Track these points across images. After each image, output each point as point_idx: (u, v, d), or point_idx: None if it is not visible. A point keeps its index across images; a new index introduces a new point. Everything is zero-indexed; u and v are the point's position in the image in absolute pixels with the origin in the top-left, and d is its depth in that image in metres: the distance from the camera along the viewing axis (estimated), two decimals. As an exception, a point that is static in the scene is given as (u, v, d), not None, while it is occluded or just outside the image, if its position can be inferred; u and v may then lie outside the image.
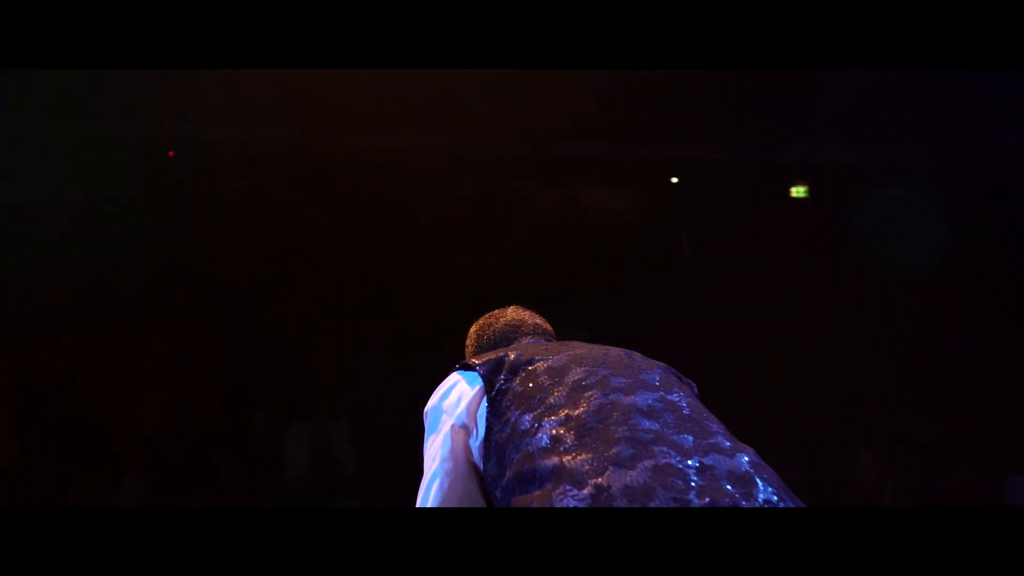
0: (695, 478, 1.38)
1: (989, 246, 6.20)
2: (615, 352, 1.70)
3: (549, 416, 1.54)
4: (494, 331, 1.98)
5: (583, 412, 1.53)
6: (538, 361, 1.68)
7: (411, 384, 5.90)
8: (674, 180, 8.05)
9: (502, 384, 1.66)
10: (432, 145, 6.91)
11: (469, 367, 1.75)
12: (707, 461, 1.42)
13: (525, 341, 1.93)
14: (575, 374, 1.62)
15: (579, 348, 1.73)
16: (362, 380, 5.77)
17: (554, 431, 1.51)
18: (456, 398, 1.71)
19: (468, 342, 2.02)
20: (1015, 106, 5.41)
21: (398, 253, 6.85)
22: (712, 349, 7.88)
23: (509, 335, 1.96)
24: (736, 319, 7.68)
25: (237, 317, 5.95)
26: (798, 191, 8.02)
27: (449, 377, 1.80)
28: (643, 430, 1.48)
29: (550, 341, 1.94)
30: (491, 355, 1.75)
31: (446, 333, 6.96)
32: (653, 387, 1.60)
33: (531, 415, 1.56)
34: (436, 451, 1.68)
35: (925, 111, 6.09)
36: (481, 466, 1.63)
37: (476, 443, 1.65)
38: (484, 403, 1.66)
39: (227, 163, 6.06)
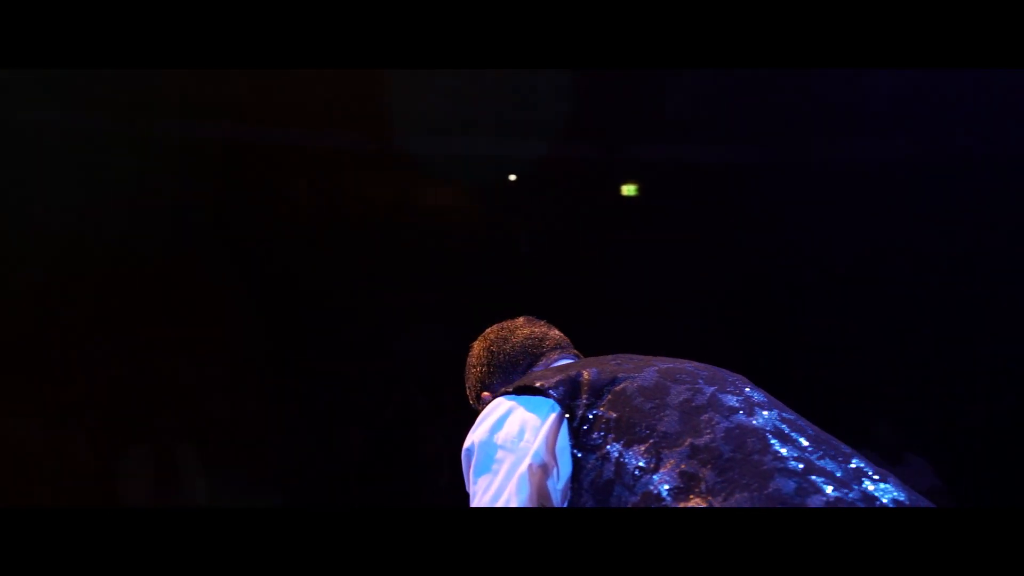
0: None
1: (820, 246, 6.54)
2: (700, 365, 1.48)
3: (669, 448, 1.29)
4: (513, 347, 1.69)
5: (711, 440, 1.30)
6: (623, 380, 1.41)
7: (256, 397, 5.49)
8: (512, 177, 7.98)
9: (585, 410, 1.38)
10: (266, 137, 6.46)
11: (532, 390, 1.45)
12: (867, 490, 1.25)
13: (555, 358, 1.66)
14: (677, 393, 1.38)
15: (660, 361, 1.48)
16: (205, 394, 5.27)
17: (683, 467, 1.27)
18: (516, 430, 1.42)
19: (474, 362, 1.73)
20: (851, 108, 5.73)
21: (229, 252, 6.35)
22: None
23: (531, 351, 1.68)
24: (573, 317, 7.73)
25: (53, 325, 5.28)
26: (629, 189, 8.17)
27: (494, 405, 1.50)
28: (791, 458, 1.28)
29: (580, 356, 1.71)
30: (555, 375, 1.46)
31: (286, 339, 6.59)
32: (765, 404, 1.40)
33: (641, 447, 1.31)
34: (506, 497, 1.37)
35: (760, 113, 6.34)
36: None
37: (558, 485, 1.35)
38: (565, 435, 1.38)
39: (32, 153, 5.36)
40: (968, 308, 6.18)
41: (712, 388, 1.40)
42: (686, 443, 1.29)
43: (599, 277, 7.76)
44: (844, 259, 6.42)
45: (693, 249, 7.51)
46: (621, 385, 1.40)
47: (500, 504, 1.38)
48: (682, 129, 7.03)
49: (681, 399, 1.36)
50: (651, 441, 1.31)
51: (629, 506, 1.27)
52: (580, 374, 1.44)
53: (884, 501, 1.23)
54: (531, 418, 1.42)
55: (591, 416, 1.37)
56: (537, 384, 1.45)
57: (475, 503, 1.44)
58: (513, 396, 1.48)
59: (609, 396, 1.39)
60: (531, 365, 1.66)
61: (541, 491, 1.36)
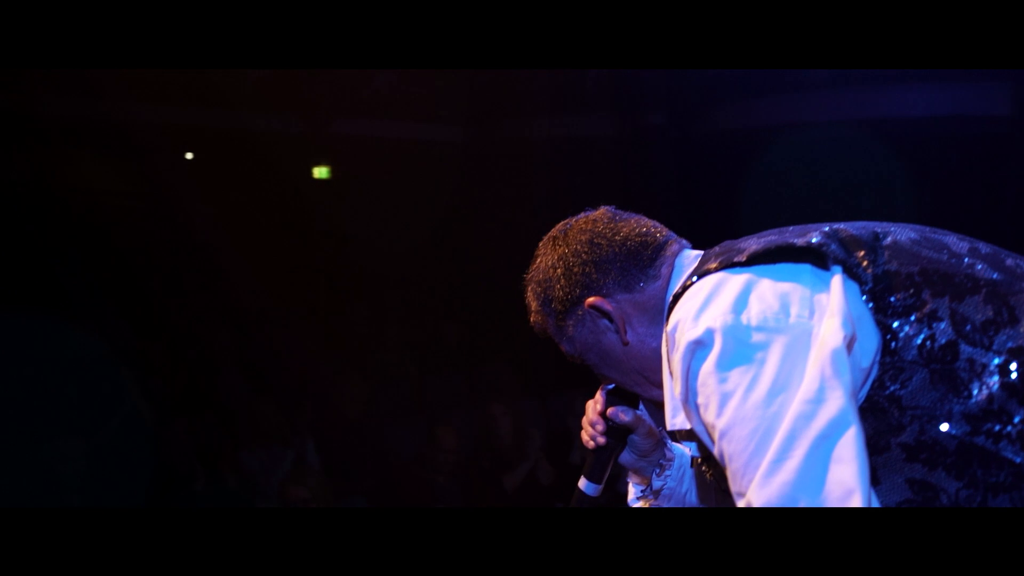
0: None
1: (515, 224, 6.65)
2: None
3: (1012, 295, 1.11)
4: (626, 238, 1.34)
5: None
6: (885, 235, 1.18)
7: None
8: (189, 156, 7.09)
9: (872, 268, 1.13)
10: None
11: (788, 253, 1.15)
12: None
13: (676, 248, 1.36)
14: (954, 241, 1.20)
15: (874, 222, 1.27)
16: None
17: None
18: (777, 304, 1.10)
19: (570, 263, 1.35)
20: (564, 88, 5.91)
21: None
22: (248, 343, 7.18)
23: (650, 240, 1.35)
24: (256, 303, 7.12)
25: None
26: (320, 172, 7.70)
27: (718, 282, 1.16)
28: None
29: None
30: (811, 234, 1.16)
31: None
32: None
33: (976, 297, 1.11)
34: (814, 384, 1.05)
35: (469, 91, 6.31)
36: (864, 397, 1.10)
37: (862, 363, 1.10)
38: (858, 300, 1.11)
39: None
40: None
41: (965, 237, 1.24)
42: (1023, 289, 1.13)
43: (291, 265, 7.20)
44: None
45: (391, 230, 7.26)
46: (890, 239, 1.17)
47: (800, 394, 1.05)
48: (382, 107, 6.77)
49: (965, 246, 1.19)
50: (984, 290, 1.12)
51: (992, 367, 1.07)
52: (837, 230, 1.17)
53: None
54: (792, 288, 1.12)
55: (881, 273, 1.12)
56: (799, 243, 1.14)
57: (732, 407, 1.08)
58: (745, 268, 1.16)
59: (888, 251, 1.15)
60: (654, 258, 1.33)
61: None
